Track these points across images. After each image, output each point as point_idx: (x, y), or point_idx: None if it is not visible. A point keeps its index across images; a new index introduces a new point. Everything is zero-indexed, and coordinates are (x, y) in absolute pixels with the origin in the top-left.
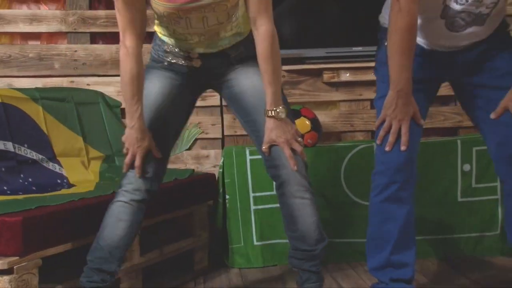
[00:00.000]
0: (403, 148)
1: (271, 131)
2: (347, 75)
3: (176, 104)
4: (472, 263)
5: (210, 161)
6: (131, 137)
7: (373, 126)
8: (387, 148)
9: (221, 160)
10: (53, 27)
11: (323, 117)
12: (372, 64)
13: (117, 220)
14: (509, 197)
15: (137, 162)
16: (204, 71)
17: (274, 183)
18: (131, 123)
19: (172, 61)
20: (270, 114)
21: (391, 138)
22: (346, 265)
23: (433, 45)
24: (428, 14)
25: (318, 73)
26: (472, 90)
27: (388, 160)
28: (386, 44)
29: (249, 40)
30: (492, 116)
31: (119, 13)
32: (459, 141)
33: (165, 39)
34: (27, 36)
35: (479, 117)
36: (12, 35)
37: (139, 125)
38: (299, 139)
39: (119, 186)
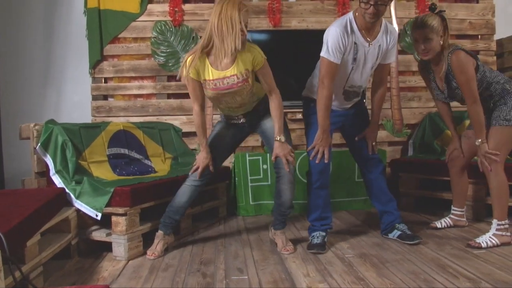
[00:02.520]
0: (326, 161)
1: (276, 149)
2: (300, 115)
3: (228, 140)
4: (361, 212)
5: (228, 160)
6: (201, 156)
7: None
8: (317, 161)
9: (233, 160)
10: (149, 90)
11: None
12: None
13: (183, 194)
14: (369, 181)
15: (199, 170)
16: (248, 123)
17: (275, 175)
18: (202, 148)
19: (228, 121)
20: (276, 139)
21: (319, 155)
22: (298, 214)
23: (338, 106)
24: (337, 91)
25: (285, 114)
26: (349, 127)
27: (317, 168)
28: (312, 105)
29: (265, 100)
30: (357, 138)
31: (190, 93)
32: None
33: (221, 112)
34: (137, 96)
35: (350, 143)
36: (129, 96)
37: (207, 150)
38: (292, 154)
39: (188, 177)
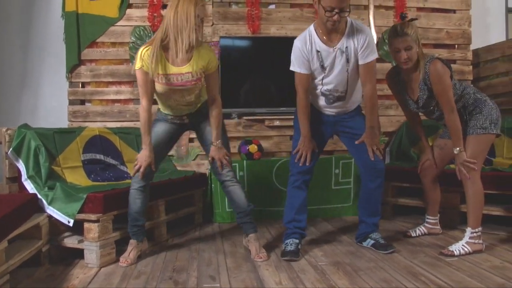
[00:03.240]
0: (307, 164)
1: (212, 151)
2: (278, 122)
3: (168, 139)
4: (337, 219)
5: (205, 167)
6: (143, 155)
7: (291, 148)
8: (300, 164)
9: (210, 166)
10: (126, 96)
11: (265, 144)
12: (291, 116)
13: (134, 200)
14: (367, 190)
15: (142, 170)
16: (190, 123)
17: (219, 182)
18: (144, 146)
19: (170, 119)
20: (213, 144)
21: (302, 159)
22: (273, 221)
23: (323, 111)
24: (315, 95)
25: (262, 121)
26: (346, 133)
27: (298, 169)
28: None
29: (206, 103)
30: (356, 142)
31: (139, 86)
32: (333, 157)
33: (166, 112)
34: (114, 101)
35: (350, 147)
36: (107, 101)
37: (149, 149)
38: (226, 157)
39: (132, 182)
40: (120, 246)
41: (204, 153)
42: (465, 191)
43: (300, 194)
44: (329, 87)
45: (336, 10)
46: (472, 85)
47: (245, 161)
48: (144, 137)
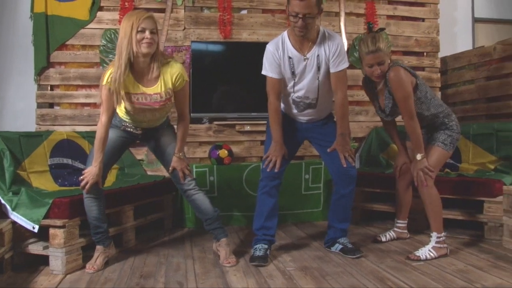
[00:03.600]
0: (276, 170)
1: (174, 162)
2: (248, 127)
3: (119, 149)
4: (307, 224)
5: None
6: (92, 171)
7: (261, 154)
8: (268, 170)
9: (171, 176)
10: (97, 99)
11: (235, 149)
12: (262, 121)
13: (91, 207)
14: (339, 196)
15: (88, 186)
16: (143, 135)
17: (181, 192)
18: (95, 163)
19: (124, 128)
20: (176, 155)
21: (271, 165)
22: (243, 226)
23: (295, 118)
24: (287, 102)
25: (233, 125)
26: (318, 140)
27: (267, 174)
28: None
29: (168, 119)
30: (328, 150)
31: (104, 103)
32: (303, 163)
33: (125, 119)
34: (84, 105)
35: (322, 153)
36: (76, 104)
37: (100, 166)
38: (188, 167)
39: (84, 193)
40: (88, 252)
41: None
42: (422, 198)
43: (269, 201)
44: (300, 94)
45: (299, 16)
46: (444, 106)
47: (215, 166)
48: (97, 154)
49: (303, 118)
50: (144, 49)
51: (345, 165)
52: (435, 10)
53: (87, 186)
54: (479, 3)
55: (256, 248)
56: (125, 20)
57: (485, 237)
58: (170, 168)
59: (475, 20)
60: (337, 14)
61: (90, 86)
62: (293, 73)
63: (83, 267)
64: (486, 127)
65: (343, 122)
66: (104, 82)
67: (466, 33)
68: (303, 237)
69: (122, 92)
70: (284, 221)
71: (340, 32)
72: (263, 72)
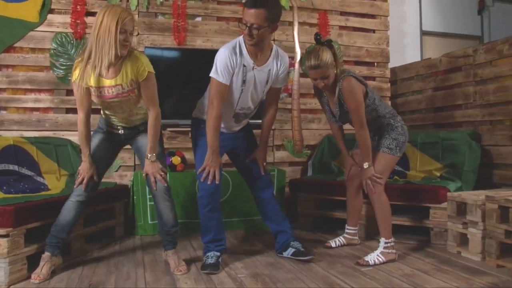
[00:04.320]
0: (217, 182)
1: (146, 166)
2: None
3: (108, 152)
4: (258, 231)
5: (128, 178)
6: (84, 166)
7: None
8: (209, 182)
9: (133, 178)
10: (46, 104)
11: (188, 155)
12: None
13: (69, 211)
14: (262, 201)
15: (85, 181)
16: (125, 136)
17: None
18: (84, 158)
19: (108, 130)
20: (147, 157)
21: (210, 176)
22: (196, 233)
23: (227, 129)
24: (227, 114)
25: (186, 132)
26: (237, 149)
27: (206, 188)
28: (202, 126)
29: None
30: (247, 160)
31: (77, 100)
32: None
33: (103, 120)
34: (32, 109)
35: (238, 163)
36: (24, 109)
37: (89, 160)
38: (161, 172)
39: (72, 193)
40: (34, 261)
41: (127, 164)
42: (372, 205)
43: (215, 216)
44: (244, 105)
45: (247, 24)
46: (390, 109)
47: (168, 173)
48: (83, 150)
49: (235, 129)
50: (122, 50)
51: (263, 173)
52: (385, 22)
53: (84, 181)
54: (427, 17)
55: (208, 255)
56: (108, 15)
57: (431, 242)
58: (143, 174)
59: (423, 33)
60: (291, 24)
61: (39, 90)
62: (243, 82)
63: (28, 277)
64: (433, 136)
65: (269, 133)
66: (73, 79)
67: (414, 45)
68: (255, 244)
69: (90, 85)
70: (235, 228)
71: (293, 41)
72: (213, 75)
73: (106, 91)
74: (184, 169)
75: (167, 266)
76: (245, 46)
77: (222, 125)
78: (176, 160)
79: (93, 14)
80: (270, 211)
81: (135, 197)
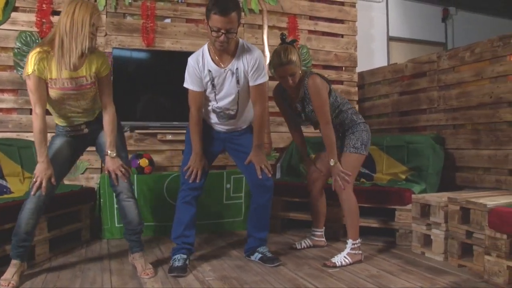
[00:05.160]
0: (197, 181)
1: (107, 163)
2: (170, 136)
3: (69, 155)
4: (228, 233)
5: (94, 181)
6: (41, 168)
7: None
8: (190, 181)
9: (99, 180)
10: (9, 104)
11: (156, 158)
12: (184, 131)
13: (27, 222)
14: (257, 206)
15: (44, 184)
16: (90, 134)
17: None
18: (41, 159)
19: (70, 133)
20: (107, 154)
21: (193, 176)
22: (164, 236)
23: (214, 127)
24: (208, 111)
25: (155, 134)
26: (236, 150)
27: (188, 185)
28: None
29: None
30: (245, 162)
31: (32, 93)
32: (225, 173)
33: (62, 124)
34: None
35: (239, 164)
36: None
37: (47, 160)
38: (122, 168)
39: (26, 200)
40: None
41: (93, 166)
42: (341, 205)
43: (189, 210)
44: (221, 105)
45: (222, 31)
46: (351, 106)
47: (135, 176)
48: (40, 149)
49: (223, 127)
50: (90, 43)
51: (260, 177)
52: (353, 28)
53: (43, 185)
54: (394, 23)
55: (175, 258)
56: (81, 7)
57: (396, 243)
58: (105, 171)
59: (390, 39)
60: (260, 27)
61: (2, 91)
62: (213, 86)
63: None
64: (398, 139)
65: (260, 133)
66: (30, 71)
67: (381, 50)
68: (223, 247)
69: (51, 77)
70: (205, 230)
71: (263, 44)
72: (185, 85)
73: (68, 83)
74: (152, 172)
75: (134, 270)
76: (209, 51)
77: (213, 124)
78: (144, 162)
79: (59, 13)
80: (258, 216)
81: (101, 200)
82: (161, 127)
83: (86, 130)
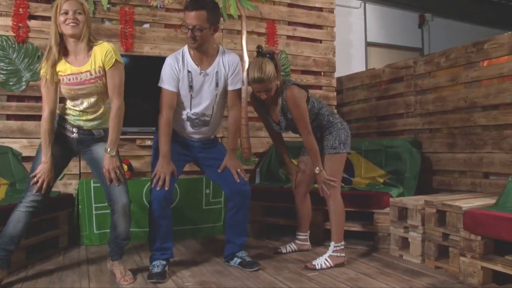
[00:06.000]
0: (166, 188)
1: (105, 160)
2: (149, 142)
3: (62, 155)
4: (207, 239)
5: (72, 187)
6: (45, 168)
7: None
8: (158, 188)
9: (77, 186)
10: None
11: (135, 163)
12: None
13: (18, 221)
14: (234, 212)
15: (45, 185)
16: (77, 141)
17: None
18: (45, 159)
19: (60, 131)
20: (107, 151)
21: (160, 182)
22: (143, 242)
23: (190, 136)
24: (182, 119)
25: (134, 140)
26: (208, 159)
27: (156, 195)
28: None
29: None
30: (219, 170)
31: (43, 94)
32: (204, 178)
33: (58, 118)
34: None
35: (212, 174)
36: None
37: (50, 161)
38: (118, 171)
39: (21, 201)
40: None
41: (72, 172)
42: (328, 207)
43: (163, 223)
44: (197, 110)
45: (189, 27)
46: (328, 107)
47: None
48: (45, 149)
49: (195, 136)
50: (68, 30)
51: (238, 181)
52: (332, 33)
53: (42, 184)
54: (372, 29)
55: (154, 265)
56: (53, 5)
57: (376, 246)
58: (104, 169)
59: (368, 44)
60: (239, 32)
61: None
62: (190, 87)
63: None
64: (376, 144)
65: (234, 138)
66: (41, 73)
67: (359, 56)
68: (203, 252)
69: (54, 75)
70: (184, 236)
71: (242, 50)
72: (160, 84)
73: (74, 78)
74: (131, 177)
75: (112, 277)
76: (189, 52)
77: (186, 134)
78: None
79: (36, 17)
80: (236, 221)
81: (80, 206)
82: (140, 132)
83: (75, 135)
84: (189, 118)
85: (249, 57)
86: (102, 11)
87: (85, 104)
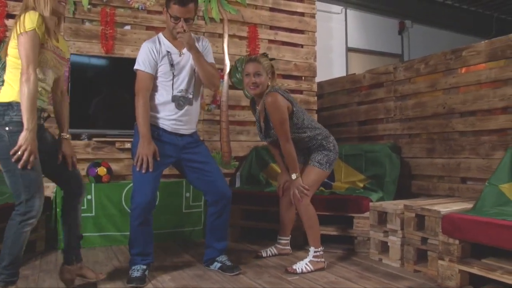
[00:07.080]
0: (150, 169)
1: (64, 147)
2: (129, 145)
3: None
4: (188, 242)
5: (49, 190)
6: (30, 137)
7: None
8: (143, 171)
9: (55, 190)
10: None
11: (114, 166)
12: None
13: (22, 233)
14: (215, 216)
15: (31, 159)
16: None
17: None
18: (31, 125)
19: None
20: (63, 136)
21: (144, 165)
22: (122, 246)
23: (171, 128)
24: (166, 100)
25: (113, 143)
26: (191, 162)
27: (139, 202)
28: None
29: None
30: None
31: (29, 54)
32: (184, 181)
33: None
34: None
35: (195, 179)
36: None
37: (34, 129)
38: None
39: (17, 214)
40: None
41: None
42: (300, 216)
43: (145, 230)
44: (182, 87)
45: (185, 20)
46: (325, 131)
47: (93, 184)
48: (30, 114)
49: (181, 124)
50: (62, 8)
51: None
52: (313, 38)
53: (31, 158)
54: (352, 35)
55: (133, 269)
56: None
57: (355, 250)
58: (59, 156)
59: (349, 49)
60: (221, 36)
61: None
62: (172, 65)
63: None
64: (356, 148)
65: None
66: (30, 26)
67: (340, 61)
68: (183, 256)
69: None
70: (164, 240)
71: (223, 53)
72: (136, 67)
73: (56, 50)
74: (110, 180)
75: (84, 280)
76: (165, 37)
77: (166, 123)
78: (101, 171)
79: (13, 16)
80: (216, 226)
81: (57, 210)
82: (119, 135)
83: (43, 121)
84: (174, 98)
85: (230, 60)
86: (82, 11)
87: (51, 79)
